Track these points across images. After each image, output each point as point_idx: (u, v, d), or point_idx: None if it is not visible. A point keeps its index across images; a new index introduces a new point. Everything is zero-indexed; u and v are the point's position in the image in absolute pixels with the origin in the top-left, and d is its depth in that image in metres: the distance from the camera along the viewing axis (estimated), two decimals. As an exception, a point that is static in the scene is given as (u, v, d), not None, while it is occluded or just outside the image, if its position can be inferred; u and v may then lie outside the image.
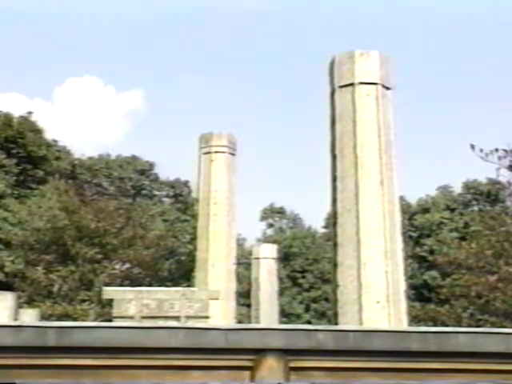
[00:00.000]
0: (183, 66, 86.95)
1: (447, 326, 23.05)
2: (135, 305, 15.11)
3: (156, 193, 47.10)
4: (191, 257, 26.66)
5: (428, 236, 41.87)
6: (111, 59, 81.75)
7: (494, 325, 22.61)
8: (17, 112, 36.86)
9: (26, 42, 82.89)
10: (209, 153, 22.05)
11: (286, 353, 5.66)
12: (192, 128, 36.41)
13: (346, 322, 13.15)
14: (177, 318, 15.01)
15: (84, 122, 76.21)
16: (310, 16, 78.07)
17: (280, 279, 31.57)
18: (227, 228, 21.69)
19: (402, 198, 28.72)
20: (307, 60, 74.19)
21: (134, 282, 27.44)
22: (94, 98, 76.33)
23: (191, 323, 13.53)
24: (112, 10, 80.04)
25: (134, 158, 47.12)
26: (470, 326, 22.73)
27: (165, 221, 39.84)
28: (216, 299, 16.62)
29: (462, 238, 35.45)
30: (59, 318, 23.67)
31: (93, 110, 76.71)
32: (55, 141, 40.43)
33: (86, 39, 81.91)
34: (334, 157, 14.42)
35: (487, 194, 43.19)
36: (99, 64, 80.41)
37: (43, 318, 21.72)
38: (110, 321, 16.11)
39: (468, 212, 42.53)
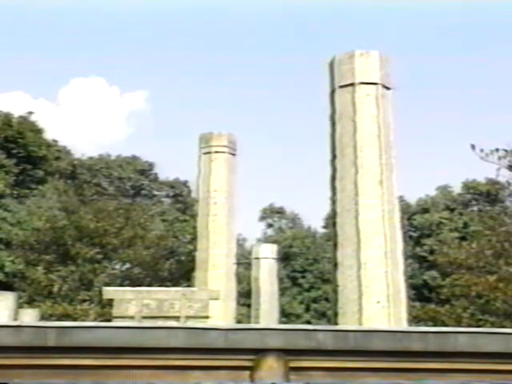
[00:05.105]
0: (185, 66, 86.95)
1: (447, 326, 23.04)
2: (135, 305, 15.12)
3: (156, 193, 47.11)
4: (191, 257, 26.65)
5: (428, 236, 41.86)
6: (117, 60, 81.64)
7: (493, 325, 22.60)
8: (20, 111, 36.94)
9: (31, 42, 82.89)
10: (209, 153, 22.04)
11: (285, 353, 5.65)
12: (192, 128, 36.41)
13: (346, 322, 13.16)
14: (177, 318, 15.02)
15: (88, 123, 76.13)
16: (310, 15, 78.08)
17: (280, 279, 31.55)
18: (227, 228, 21.68)
19: (401, 198, 28.73)
20: (307, 60, 74.19)
21: (134, 281, 27.48)
22: (98, 98, 76.23)
23: (191, 323, 13.54)
24: (116, 11, 79.98)
25: (134, 158, 47.14)
26: (470, 325, 22.71)
27: (164, 221, 39.83)
28: (216, 299, 16.62)
29: (462, 238, 35.45)
30: (59, 318, 23.68)
31: (97, 110, 76.59)
32: (55, 141, 40.49)
33: (91, 39, 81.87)
34: (333, 157, 14.43)
35: (487, 194, 43.17)
36: (104, 64, 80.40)
37: (43, 318, 21.74)
38: (109, 321, 16.11)
39: (468, 212, 42.52)
